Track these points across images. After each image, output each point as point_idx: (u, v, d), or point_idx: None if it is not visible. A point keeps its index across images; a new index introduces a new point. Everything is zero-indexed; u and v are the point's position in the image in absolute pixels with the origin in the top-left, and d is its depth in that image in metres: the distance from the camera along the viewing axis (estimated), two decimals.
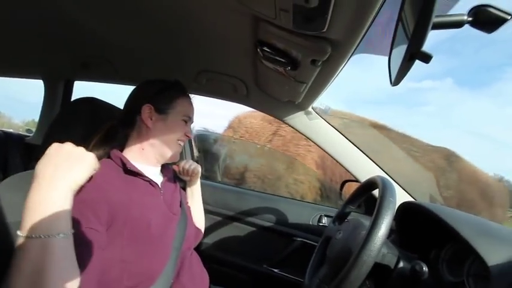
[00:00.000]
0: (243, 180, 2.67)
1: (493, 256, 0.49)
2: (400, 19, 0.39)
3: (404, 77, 0.42)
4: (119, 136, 0.70)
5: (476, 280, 0.57)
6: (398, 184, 0.95)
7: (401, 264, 0.59)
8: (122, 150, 0.67)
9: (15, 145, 1.38)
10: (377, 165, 0.99)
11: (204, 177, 1.26)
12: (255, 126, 3.08)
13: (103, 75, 1.19)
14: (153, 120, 0.67)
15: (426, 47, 0.34)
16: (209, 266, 0.80)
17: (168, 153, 0.69)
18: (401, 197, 0.95)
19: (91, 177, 0.55)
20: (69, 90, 1.39)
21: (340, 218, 0.82)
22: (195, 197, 0.92)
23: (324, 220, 1.11)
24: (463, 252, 0.61)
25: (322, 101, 0.97)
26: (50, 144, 0.70)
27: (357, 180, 1.01)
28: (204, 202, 1.28)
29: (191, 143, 1.35)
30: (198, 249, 1.04)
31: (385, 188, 0.58)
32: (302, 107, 1.00)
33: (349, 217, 0.82)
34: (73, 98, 1.42)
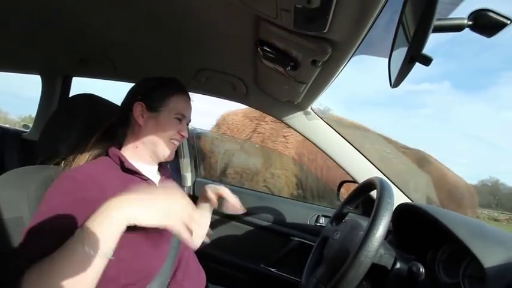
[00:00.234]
0: (224, 176, 2.72)
1: (489, 258, 0.49)
2: (400, 21, 0.40)
3: (404, 79, 0.42)
4: (118, 134, 0.69)
5: (471, 281, 0.57)
6: (395, 185, 0.96)
7: (398, 265, 0.59)
8: (120, 148, 0.67)
9: (12, 141, 1.37)
10: (375, 166, 0.99)
11: None
12: (237, 123, 3.18)
13: (102, 71, 1.18)
14: (145, 118, 0.66)
15: (425, 50, 0.34)
16: (206, 265, 0.80)
17: (160, 152, 0.67)
18: (398, 198, 0.95)
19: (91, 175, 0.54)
20: (67, 86, 1.38)
21: (338, 218, 0.83)
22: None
23: (322, 220, 1.12)
24: (459, 254, 0.62)
25: (322, 101, 0.98)
26: (46, 140, 0.70)
27: (354, 181, 1.01)
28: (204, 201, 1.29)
29: (189, 140, 1.35)
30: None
31: (383, 189, 0.58)
32: (301, 107, 1.00)
33: (347, 218, 0.82)
34: (71, 94, 1.41)
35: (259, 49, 0.65)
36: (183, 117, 0.69)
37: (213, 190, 0.82)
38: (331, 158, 1.01)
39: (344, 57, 0.58)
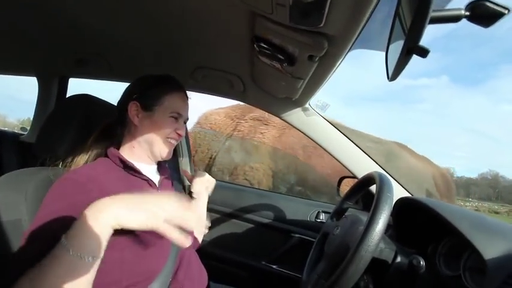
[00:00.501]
0: (208, 172, 2.83)
1: (489, 250, 0.49)
2: (397, 14, 0.39)
3: (401, 72, 0.42)
4: (116, 134, 0.69)
5: (472, 273, 0.57)
6: (395, 180, 0.96)
7: (398, 259, 0.59)
8: (118, 149, 0.67)
9: (9, 143, 1.36)
10: (374, 161, 0.99)
11: None
12: (219, 123, 3.34)
13: (98, 72, 1.18)
14: (140, 117, 0.65)
15: (422, 44, 0.34)
16: (208, 263, 0.80)
17: (157, 152, 0.66)
18: (398, 192, 0.95)
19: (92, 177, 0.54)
20: (63, 87, 1.37)
21: (338, 214, 0.83)
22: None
23: (322, 216, 1.12)
24: (460, 247, 0.62)
25: (319, 97, 0.97)
26: (44, 141, 0.70)
27: (354, 177, 1.01)
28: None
29: (188, 139, 1.34)
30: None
31: (382, 183, 0.58)
32: (299, 103, 0.99)
33: (347, 213, 0.82)
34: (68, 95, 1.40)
35: (255, 45, 0.65)
36: (179, 116, 0.68)
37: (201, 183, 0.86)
38: (330, 153, 1.01)
39: (341, 52, 0.58)
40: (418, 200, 0.73)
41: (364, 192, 0.82)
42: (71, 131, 0.69)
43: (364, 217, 0.63)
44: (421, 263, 0.57)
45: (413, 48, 0.34)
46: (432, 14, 0.32)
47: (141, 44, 0.90)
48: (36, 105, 1.39)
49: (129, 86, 0.71)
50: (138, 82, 0.70)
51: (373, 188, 0.64)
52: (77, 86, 1.41)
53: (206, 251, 1.19)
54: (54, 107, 1.35)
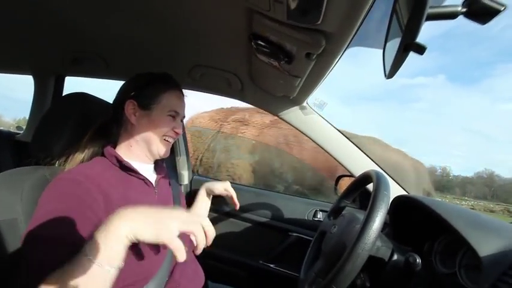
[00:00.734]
0: (196, 172, 3.06)
1: (484, 247, 0.50)
2: (394, 10, 0.39)
3: (398, 69, 0.42)
4: (112, 133, 0.68)
5: (468, 270, 0.58)
6: (392, 178, 0.96)
7: (395, 257, 0.60)
8: (114, 148, 0.66)
9: (5, 142, 1.35)
10: (371, 159, 1.00)
11: None
12: (204, 126, 3.63)
13: (95, 70, 1.17)
14: (137, 116, 0.65)
15: (419, 38, 0.34)
16: (205, 262, 0.80)
17: (155, 151, 0.66)
18: (394, 191, 0.96)
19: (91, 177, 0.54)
20: (60, 86, 1.36)
21: (335, 212, 0.83)
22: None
23: (319, 215, 1.12)
24: (456, 244, 0.62)
25: (317, 96, 0.97)
26: (40, 140, 0.69)
27: (351, 175, 1.01)
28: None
29: (185, 137, 1.33)
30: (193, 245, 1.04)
31: (379, 182, 0.58)
32: (297, 101, 0.99)
33: (344, 212, 0.82)
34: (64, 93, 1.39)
35: (253, 43, 0.64)
36: (177, 114, 0.68)
37: (221, 189, 0.86)
38: (327, 152, 1.01)
39: (338, 50, 0.58)
40: (414, 198, 0.73)
41: (361, 191, 0.82)
42: (67, 130, 0.68)
43: (360, 215, 0.63)
44: (417, 260, 0.57)
45: (410, 45, 0.34)
46: (429, 10, 0.32)
47: (137, 42, 0.89)
48: (32, 104, 1.38)
49: (124, 84, 0.70)
50: (134, 80, 0.69)
51: (370, 186, 0.64)
52: (74, 85, 1.40)
53: (204, 250, 1.19)
54: (50, 105, 1.34)
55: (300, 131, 1.04)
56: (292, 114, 1.02)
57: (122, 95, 0.68)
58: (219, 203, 1.24)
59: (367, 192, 0.90)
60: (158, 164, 0.73)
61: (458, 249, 0.61)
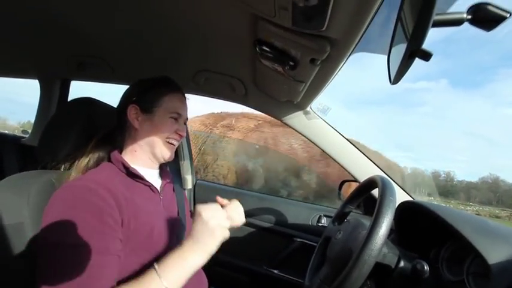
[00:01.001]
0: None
1: (493, 254, 0.49)
2: (399, 17, 0.39)
3: (403, 75, 0.42)
4: (117, 138, 0.69)
5: (476, 278, 0.57)
6: (397, 184, 0.96)
7: (402, 264, 0.59)
8: (120, 153, 0.67)
9: (10, 146, 1.36)
10: (376, 165, 0.99)
11: None
12: (195, 130, 3.82)
13: (100, 75, 1.18)
14: (140, 120, 0.65)
15: (424, 44, 0.34)
16: (208, 267, 0.79)
17: (159, 154, 0.66)
18: (400, 196, 0.95)
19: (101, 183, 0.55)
20: (65, 90, 1.38)
21: (340, 218, 0.82)
22: None
23: (323, 220, 1.11)
24: (463, 251, 0.61)
25: (321, 100, 0.97)
26: (46, 145, 0.70)
27: (355, 180, 1.01)
28: (203, 202, 1.28)
29: (189, 141, 1.34)
30: None
31: (385, 187, 0.58)
32: (301, 106, 1.00)
33: (349, 217, 0.82)
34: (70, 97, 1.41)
35: (257, 49, 0.65)
36: (179, 116, 0.68)
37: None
38: (331, 157, 1.01)
39: (343, 55, 0.58)
40: (420, 204, 0.73)
41: (366, 197, 0.82)
42: (73, 135, 0.69)
43: (366, 221, 0.63)
44: (425, 267, 0.56)
45: (416, 51, 0.34)
46: (435, 17, 0.32)
47: (142, 47, 0.91)
48: (38, 108, 1.40)
49: (127, 89, 0.71)
50: (136, 85, 0.70)
51: (375, 192, 0.64)
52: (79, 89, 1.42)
53: None
54: (57, 110, 1.35)
55: (303, 135, 1.04)
56: (296, 119, 1.03)
57: (124, 101, 0.69)
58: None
59: (372, 197, 0.89)
60: (163, 170, 0.74)
61: (465, 256, 0.60)
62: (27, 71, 1.38)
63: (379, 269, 0.57)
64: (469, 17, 0.34)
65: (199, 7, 0.62)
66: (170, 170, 0.82)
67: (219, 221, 0.54)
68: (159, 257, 0.60)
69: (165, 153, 0.66)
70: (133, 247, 0.55)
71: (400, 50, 0.39)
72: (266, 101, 1.03)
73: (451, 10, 0.35)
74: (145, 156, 0.66)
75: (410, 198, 0.96)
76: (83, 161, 0.64)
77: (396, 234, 0.82)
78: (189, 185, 1.28)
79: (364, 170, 0.98)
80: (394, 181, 0.95)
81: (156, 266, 0.50)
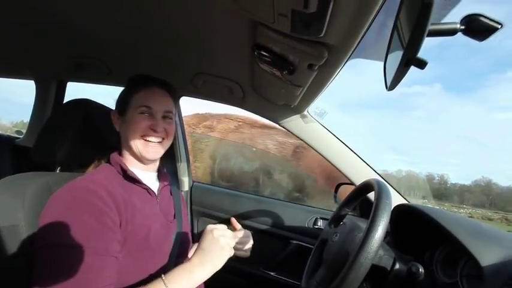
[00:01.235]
0: None
1: (486, 256, 0.50)
2: (396, 26, 0.41)
3: (399, 82, 0.43)
4: (115, 143, 0.70)
5: (469, 280, 0.58)
6: (392, 187, 0.97)
7: (397, 266, 0.60)
8: (120, 155, 0.67)
9: (4, 147, 1.34)
10: (372, 168, 1.00)
11: None
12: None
13: (97, 76, 1.18)
14: (119, 124, 0.66)
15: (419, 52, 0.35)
16: None
17: (138, 153, 0.63)
18: (395, 199, 0.96)
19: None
20: (61, 91, 1.37)
21: (336, 220, 0.83)
22: None
23: (320, 223, 1.12)
24: (457, 253, 0.62)
25: (318, 104, 0.98)
26: (42, 146, 0.69)
27: (351, 183, 1.02)
28: (199, 205, 1.28)
29: (186, 143, 1.33)
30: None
31: (381, 190, 0.59)
32: (298, 110, 1.00)
33: (345, 220, 0.82)
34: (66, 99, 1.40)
35: (256, 53, 0.66)
36: (149, 109, 0.64)
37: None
38: (328, 160, 1.02)
39: (340, 61, 0.59)
40: (415, 207, 0.74)
41: (362, 199, 0.83)
42: (70, 136, 0.69)
43: (362, 224, 0.63)
44: (420, 270, 0.57)
45: (411, 59, 0.36)
46: (430, 27, 0.33)
47: (140, 49, 0.91)
48: (33, 109, 1.38)
49: None
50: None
51: (371, 195, 0.65)
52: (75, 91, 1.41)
53: None
54: (53, 111, 1.34)
55: (300, 139, 1.05)
56: (293, 122, 1.04)
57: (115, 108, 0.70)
58: (218, 210, 1.24)
59: (368, 200, 0.90)
60: (161, 172, 0.74)
61: (459, 259, 0.61)
62: (23, 71, 1.36)
63: (375, 271, 0.58)
64: (463, 27, 0.35)
65: (198, 11, 0.62)
66: (167, 171, 0.82)
67: (228, 240, 0.57)
68: (155, 260, 0.60)
69: (143, 152, 0.63)
70: (130, 249, 0.55)
71: (396, 57, 0.40)
72: (263, 104, 1.04)
73: (445, 20, 0.36)
74: (131, 158, 0.66)
75: (406, 202, 0.97)
76: (82, 163, 0.65)
77: (392, 237, 0.83)
78: (186, 187, 1.28)
79: (360, 173, 0.99)
80: (390, 184, 0.96)
81: (163, 276, 0.51)
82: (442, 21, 0.36)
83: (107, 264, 0.50)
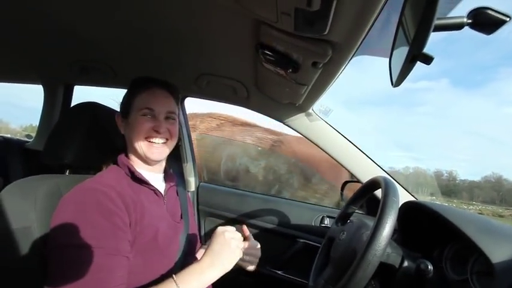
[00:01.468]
0: None
1: (497, 253, 0.49)
2: (401, 22, 0.40)
3: (405, 78, 0.43)
4: (122, 145, 0.71)
5: (480, 277, 0.57)
6: (400, 184, 0.96)
7: (406, 264, 0.59)
8: (126, 156, 0.68)
9: (15, 151, 1.38)
10: (378, 165, 0.99)
11: None
12: None
13: (103, 79, 1.19)
14: (123, 126, 0.67)
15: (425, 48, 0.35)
16: None
17: (143, 155, 0.64)
18: (403, 197, 0.95)
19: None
20: (69, 95, 1.39)
21: (343, 218, 0.83)
22: None
23: (326, 221, 1.11)
24: (466, 250, 0.62)
25: (323, 102, 0.98)
26: (52, 149, 0.71)
27: (358, 181, 1.01)
28: (206, 205, 1.29)
29: (191, 143, 1.34)
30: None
31: (388, 187, 0.58)
32: (303, 108, 1.00)
33: (352, 218, 0.82)
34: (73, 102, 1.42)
35: (259, 52, 0.66)
36: (151, 111, 0.64)
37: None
38: (334, 158, 1.02)
39: (344, 58, 0.59)
40: (423, 204, 0.73)
41: (369, 197, 0.82)
42: (79, 139, 0.70)
43: (369, 222, 0.63)
44: (429, 267, 0.57)
45: (417, 55, 0.35)
46: (436, 22, 0.33)
47: (145, 51, 0.92)
48: (42, 112, 1.41)
49: None
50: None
51: (378, 192, 0.64)
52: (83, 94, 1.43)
53: None
54: (62, 115, 1.37)
55: (305, 137, 1.05)
56: (298, 121, 1.03)
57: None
58: (225, 210, 1.24)
59: (374, 198, 0.89)
60: (168, 173, 0.74)
61: (469, 256, 0.60)
62: (31, 76, 1.39)
63: (383, 269, 0.57)
64: (470, 21, 0.35)
65: (201, 12, 0.63)
66: (173, 172, 0.83)
67: (238, 243, 0.58)
68: (163, 260, 0.61)
69: (148, 153, 0.64)
70: (139, 249, 0.56)
71: (401, 53, 0.40)
72: (268, 103, 1.04)
73: (451, 14, 0.36)
74: (137, 160, 0.67)
75: (414, 199, 0.96)
76: (91, 166, 0.67)
77: (400, 235, 0.82)
78: (192, 187, 1.29)
79: (366, 170, 0.99)
80: (397, 181, 0.95)
81: (174, 277, 0.52)
82: (449, 15, 0.36)
83: (118, 264, 0.51)
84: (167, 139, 0.66)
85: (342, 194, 1.20)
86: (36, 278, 0.52)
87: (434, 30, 0.33)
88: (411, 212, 0.78)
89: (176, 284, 0.51)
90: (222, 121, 3.15)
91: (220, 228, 0.59)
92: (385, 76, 0.52)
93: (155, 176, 0.69)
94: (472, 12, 0.34)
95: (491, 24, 0.34)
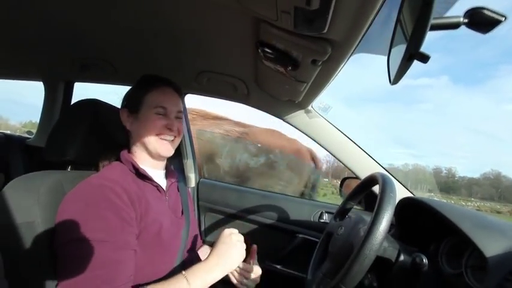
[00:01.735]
0: None
1: (490, 248, 0.51)
2: (398, 20, 0.41)
3: (403, 76, 0.44)
4: (126, 140, 0.71)
5: (474, 271, 0.58)
6: (397, 180, 0.97)
7: (402, 257, 0.61)
8: (129, 152, 0.68)
9: (16, 147, 1.38)
10: (377, 162, 1.00)
11: None
12: None
13: (103, 76, 1.20)
14: (130, 122, 0.67)
15: (422, 46, 0.36)
16: None
17: (153, 150, 0.65)
18: (400, 193, 0.97)
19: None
20: (69, 91, 1.39)
21: (341, 214, 0.84)
22: None
23: (325, 217, 1.13)
24: (461, 245, 0.63)
25: (322, 99, 0.99)
26: (53, 145, 0.71)
27: (356, 177, 1.02)
28: (206, 201, 1.30)
29: (191, 139, 1.35)
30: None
31: (385, 183, 0.59)
32: (302, 105, 1.01)
33: (350, 213, 0.83)
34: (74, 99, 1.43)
35: (259, 50, 0.66)
36: (164, 109, 0.66)
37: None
38: (333, 155, 1.03)
39: (344, 56, 0.60)
40: (420, 199, 0.74)
41: (367, 193, 0.83)
42: (80, 135, 0.71)
43: (367, 217, 0.64)
44: (424, 261, 0.58)
45: (414, 54, 0.36)
46: (432, 21, 0.33)
47: (145, 48, 0.92)
48: (43, 109, 1.41)
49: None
50: (127, 91, 0.72)
51: (376, 188, 0.65)
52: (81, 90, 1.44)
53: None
54: (63, 111, 1.37)
55: (305, 134, 1.06)
56: (297, 118, 1.04)
57: (121, 105, 0.71)
58: (224, 205, 1.26)
59: (373, 194, 0.91)
60: (169, 170, 0.75)
61: (464, 250, 0.61)
62: (31, 73, 1.39)
63: (380, 262, 0.59)
64: (466, 20, 0.35)
65: (202, 9, 0.63)
66: (174, 168, 0.84)
67: (243, 245, 0.63)
68: (165, 255, 0.62)
69: (159, 149, 0.65)
70: (143, 244, 0.57)
71: (399, 51, 0.41)
72: (268, 100, 1.04)
73: (448, 14, 0.36)
74: (143, 156, 0.67)
75: (411, 195, 0.97)
76: (93, 162, 0.67)
77: (397, 230, 0.83)
78: (193, 183, 1.30)
79: (365, 167, 1.00)
80: (395, 178, 0.96)
81: (184, 273, 0.55)
82: (445, 15, 0.36)
83: (127, 257, 0.53)
84: (175, 136, 0.68)
85: (340, 191, 1.22)
86: (40, 272, 0.53)
87: (431, 29, 0.34)
88: (408, 208, 0.79)
89: (187, 280, 0.54)
90: (194, 115, 3.22)
91: (227, 231, 0.63)
92: (385, 73, 0.52)
93: (158, 173, 0.70)
94: (468, 12, 0.35)
95: (487, 23, 0.35)
